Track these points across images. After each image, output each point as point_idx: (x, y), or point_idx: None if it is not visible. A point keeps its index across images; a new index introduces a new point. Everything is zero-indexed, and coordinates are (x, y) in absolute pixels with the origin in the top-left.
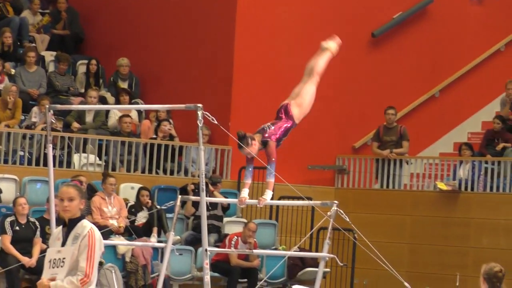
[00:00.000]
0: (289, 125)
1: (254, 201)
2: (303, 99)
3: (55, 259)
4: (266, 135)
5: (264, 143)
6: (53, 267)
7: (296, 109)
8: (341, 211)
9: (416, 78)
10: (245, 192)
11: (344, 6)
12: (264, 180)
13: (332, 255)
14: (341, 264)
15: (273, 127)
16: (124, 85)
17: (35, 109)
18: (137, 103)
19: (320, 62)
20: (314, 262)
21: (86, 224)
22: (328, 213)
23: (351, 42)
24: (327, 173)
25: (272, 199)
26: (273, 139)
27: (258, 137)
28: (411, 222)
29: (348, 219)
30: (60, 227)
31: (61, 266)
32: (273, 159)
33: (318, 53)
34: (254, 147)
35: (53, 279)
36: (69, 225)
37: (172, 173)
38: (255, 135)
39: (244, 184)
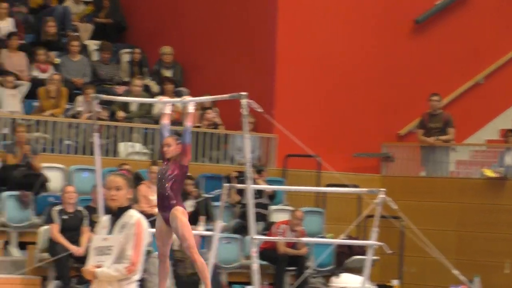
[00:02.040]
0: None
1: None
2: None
3: (101, 246)
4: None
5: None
6: (99, 255)
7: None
8: (388, 198)
9: (460, 65)
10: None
11: None
12: (312, 168)
13: (380, 243)
14: (389, 252)
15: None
16: (168, 73)
17: (80, 98)
18: (181, 92)
19: None
20: (362, 250)
21: (133, 213)
22: (375, 201)
23: (394, 29)
24: (373, 160)
25: (318, 185)
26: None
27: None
28: (458, 209)
29: (396, 207)
30: (108, 215)
31: (108, 254)
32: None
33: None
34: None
35: (99, 266)
36: (116, 214)
37: (217, 161)
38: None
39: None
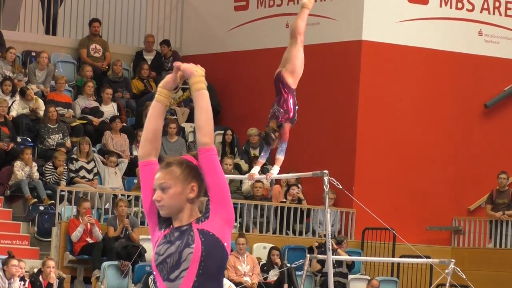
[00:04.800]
0: (291, 97)
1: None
2: (293, 64)
3: None
4: (280, 119)
5: (279, 126)
6: None
7: (290, 78)
8: (458, 268)
9: None
10: (255, 169)
11: (459, 80)
12: (387, 240)
13: None
14: None
15: (281, 109)
16: (255, 152)
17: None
18: (268, 170)
19: (300, 22)
20: None
21: (225, 281)
22: (446, 271)
23: (465, 113)
24: (444, 233)
25: (393, 256)
26: (288, 122)
27: (273, 123)
28: None
29: (464, 276)
30: None
31: None
32: (285, 140)
33: (298, 13)
34: (276, 139)
35: None
36: None
37: (300, 233)
38: (271, 121)
39: (257, 162)
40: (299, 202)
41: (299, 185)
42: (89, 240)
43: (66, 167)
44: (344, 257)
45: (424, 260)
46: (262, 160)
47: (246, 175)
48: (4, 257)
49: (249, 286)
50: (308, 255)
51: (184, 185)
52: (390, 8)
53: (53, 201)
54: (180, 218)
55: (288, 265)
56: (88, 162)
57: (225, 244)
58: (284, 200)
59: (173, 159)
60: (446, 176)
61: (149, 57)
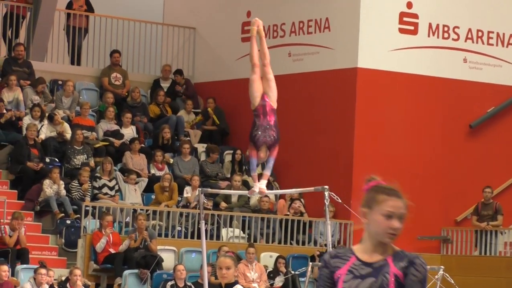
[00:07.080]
0: (274, 117)
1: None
2: (273, 88)
3: None
4: (271, 142)
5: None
6: None
7: (272, 99)
8: (447, 274)
9: (508, 162)
10: (263, 184)
11: (446, 102)
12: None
13: None
14: None
15: (271, 131)
16: (258, 169)
17: (188, 189)
18: (272, 186)
19: (265, 50)
20: None
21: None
22: (436, 277)
23: (452, 133)
24: (434, 242)
25: None
26: (276, 144)
27: (264, 153)
28: (506, 283)
29: (453, 281)
30: None
31: None
32: (273, 157)
33: (253, 42)
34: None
35: None
36: None
37: (303, 243)
38: (262, 151)
39: (263, 176)
40: (301, 215)
41: (302, 200)
42: (112, 250)
43: (90, 185)
44: None
45: None
46: (267, 173)
47: (255, 190)
48: (36, 266)
49: None
50: (311, 263)
51: None
52: (383, 38)
53: (78, 216)
54: (381, 251)
55: (292, 272)
56: (110, 180)
57: None
58: (288, 213)
59: (397, 187)
60: (436, 190)
61: (165, 84)
